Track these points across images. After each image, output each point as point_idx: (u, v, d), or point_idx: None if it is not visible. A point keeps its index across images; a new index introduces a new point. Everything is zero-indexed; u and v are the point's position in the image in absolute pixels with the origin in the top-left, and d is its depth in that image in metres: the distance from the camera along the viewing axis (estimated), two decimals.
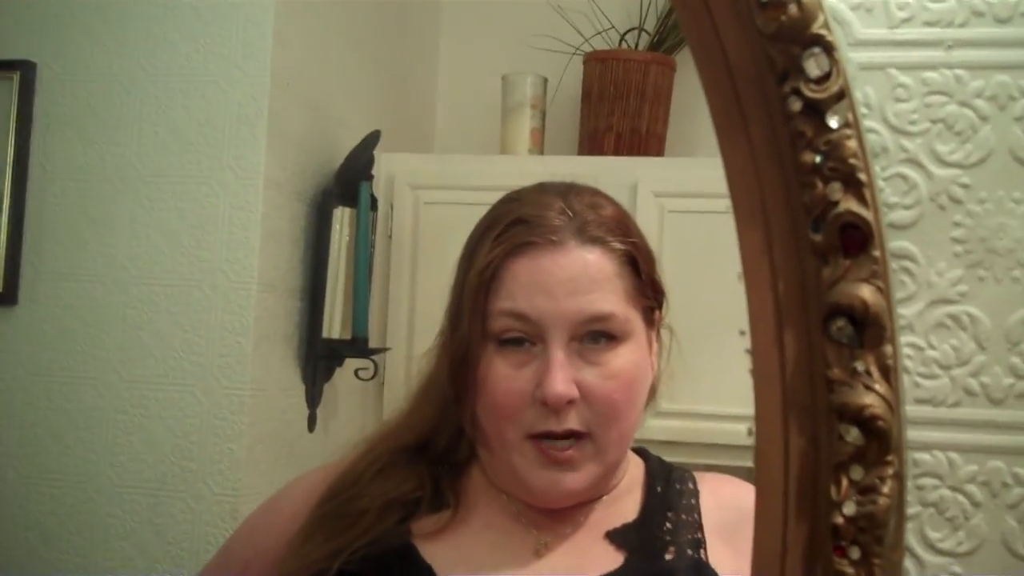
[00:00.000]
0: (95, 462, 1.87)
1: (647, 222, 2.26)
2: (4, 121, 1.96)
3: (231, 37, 1.91)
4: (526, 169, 2.31)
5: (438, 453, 1.17)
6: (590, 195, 1.14)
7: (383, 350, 2.18)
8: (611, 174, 2.27)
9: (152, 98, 1.93)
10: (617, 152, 2.45)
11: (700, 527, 1.11)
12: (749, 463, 0.92)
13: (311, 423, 2.07)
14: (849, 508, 0.57)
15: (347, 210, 2.11)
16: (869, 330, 0.57)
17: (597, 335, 1.07)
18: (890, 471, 0.57)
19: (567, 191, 1.13)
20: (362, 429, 2.25)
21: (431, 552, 1.10)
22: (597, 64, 2.49)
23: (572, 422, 1.05)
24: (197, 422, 1.85)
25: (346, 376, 2.16)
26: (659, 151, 2.49)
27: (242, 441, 1.84)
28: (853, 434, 0.57)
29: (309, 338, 2.05)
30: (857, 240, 0.57)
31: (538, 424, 1.05)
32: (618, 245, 1.10)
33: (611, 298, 1.07)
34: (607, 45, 2.54)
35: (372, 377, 2.15)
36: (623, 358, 1.08)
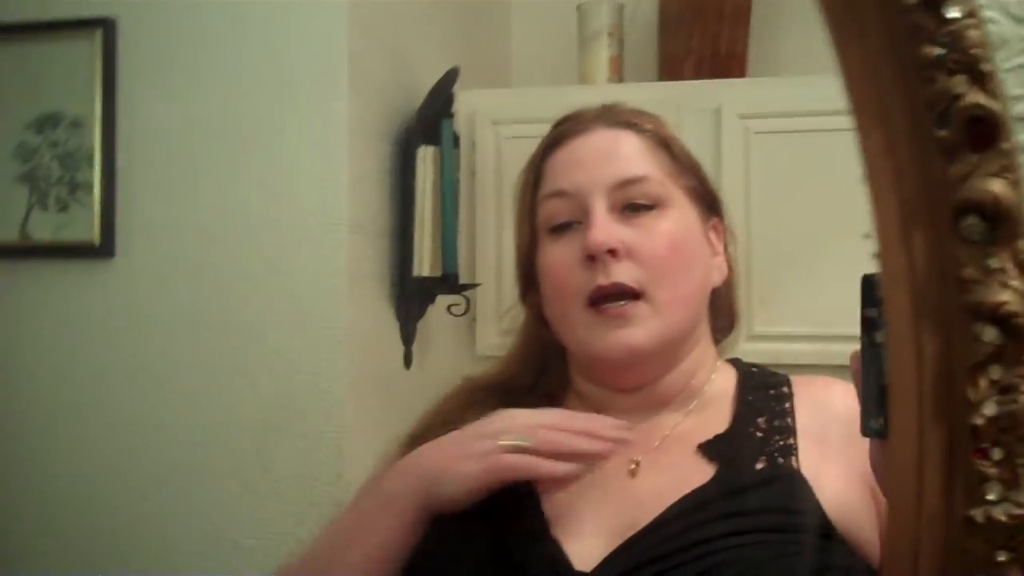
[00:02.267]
0: (200, 407, 1.91)
1: (733, 145, 2.23)
2: (90, 78, 1.99)
3: None
4: (606, 98, 2.27)
5: (533, 389, 1.20)
6: (629, 105, 1.22)
7: (474, 285, 2.19)
8: (693, 98, 2.24)
9: (231, 48, 1.94)
10: (698, 76, 2.41)
11: (793, 432, 1.11)
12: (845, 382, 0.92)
13: (407, 360, 2.09)
14: (989, 408, 0.56)
15: (430, 148, 2.11)
16: (1002, 225, 0.55)
17: (636, 203, 1.12)
18: None
19: (605, 102, 1.23)
20: (456, 364, 2.29)
21: None
22: None
23: (620, 275, 1.09)
24: (297, 364, 1.88)
25: (438, 313, 2.18)
26: (741, 72, 2.45)
27: (341, 380, 1.87)
28: (990, 333, 0.56)
29: (400, 277, 2.06)
30: (985, 134, 0.55)
31: (589, 283, 1.10)
32: (649, 127, 1.16)
33: (644, 166, 1.13)
34: None
35: (464, 313, 2.17)
36: (667, 223, 1.12)
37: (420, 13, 2.24)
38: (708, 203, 1.19)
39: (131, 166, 1.97)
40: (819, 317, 2.06)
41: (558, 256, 1.13)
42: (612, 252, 1.09)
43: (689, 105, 2.22)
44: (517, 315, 1.25)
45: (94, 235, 1.96)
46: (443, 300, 2.17)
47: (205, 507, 1.90)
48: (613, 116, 1.18)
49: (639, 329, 1.10)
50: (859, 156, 0.62)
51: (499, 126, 2.37)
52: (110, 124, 1.98)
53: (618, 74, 2.45)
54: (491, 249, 2.32)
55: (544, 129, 2.28)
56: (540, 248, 1.15)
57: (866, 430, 0.90)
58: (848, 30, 0.60)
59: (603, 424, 1.09)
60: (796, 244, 2.15)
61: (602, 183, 1.11)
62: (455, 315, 2.16)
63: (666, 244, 1.11)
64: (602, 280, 1.09)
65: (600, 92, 2.41)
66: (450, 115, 2.14)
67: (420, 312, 2.13)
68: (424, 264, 2.08)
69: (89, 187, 1.97)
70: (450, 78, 2.13)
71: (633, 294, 1.09)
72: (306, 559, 1.18)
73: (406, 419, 1.99)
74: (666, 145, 1.16)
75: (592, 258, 1.09)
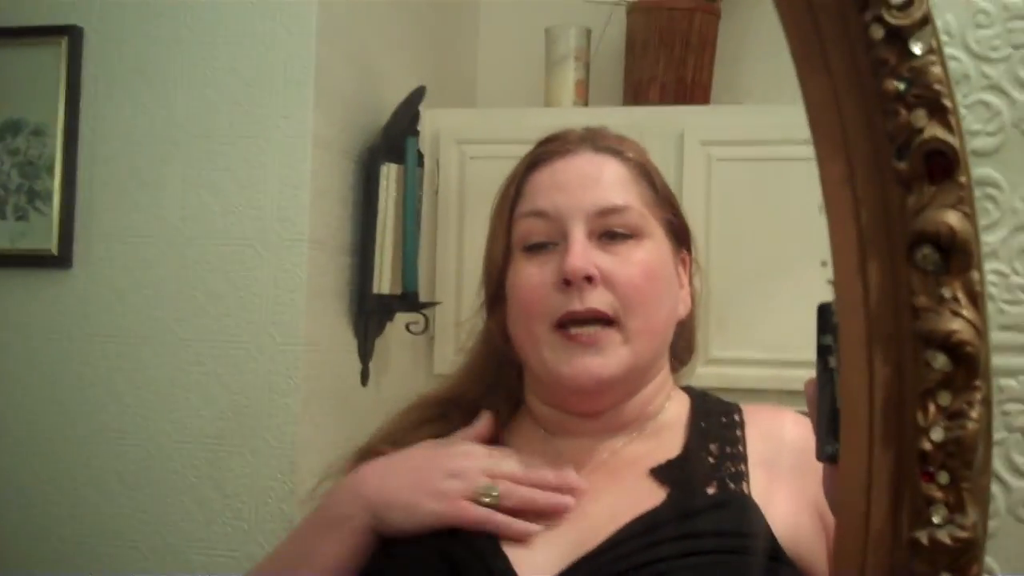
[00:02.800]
0: (154, 420, 1.90)
1: (694, 171, 2.26)
2: (54, 86, 1.98)
3: None
4: (571, 121, 2.29)
5: (477, 403, 1.21)
6: (611, 130, 1.21)
7: (433, 304, 2.20)
8: (657, 124, 2.26)
9: (199, 59, 1.94)
10: (662, 102, 2.44)
11: (744, 459, 1.11)
12: (801, 408, 0.94)
13: (364, 377, 2.08)
14: (937, 434, 0.57)
15: (394, 166, 2.11)
16: (955, 256, 0.57)
17: (615, 232, 1.11)
18: (978, 396, 0.57)
19: (588, 126, 1.21)
20: (413, 382, 2.28)
21: None
22: (641, 14, 2.47)
23: (594, 302, 1.08)
24: (253, 378, 1.87)
25: (397, 330, 2.18)
26: (704, 100, 2.48)
27: (297, 395, 1.87)
28: (940, 360, 0.57)
29: (360, 294, 2.06)
30: (942, 167, 0.57)
31: (562, 307, 1.09)
32: (632, 156, 1.16)
33: (626, 194, 1.13)
34: None
35: (423, 331, 2.17)
36: (643, 252, 1.12)
37: (388, 30, 2.25)
38: (680, 236, 1.19)
39: (92, 176, 1.96)
40: (775, 343, 2.08)
41: (532, 276, 1.12)
42: (588, 278, 1.08)
43: (653, 130, 2.24)
44: (473, 329, 1.25)
45: (52, 245, 1.95)
46: (402, 318, 2.17)
47: (156, 521, 1.88)
48: (598, 141, 1.17)
49: (608, 357, 1.09)
50: (820, 184, 0.63)
51: (463, 145, 2.38)
52: (72, 133, 1.97)
53: (584, 98, 2.47)
54: (451, 268, 2.33)
55: (509, 150, 2.28)
56: (513, 265, 1.14)
57: (820, 455, 0.92)
58: (813, 61, 0.61)
59: (561, 477, 1.10)
60: (754, 270, 2.17)
61: (583, 208, 1.11)
62: (413, 333, 2.16)
63: (641, 273, 1.11)
64: (576, 306, 1.08)
65: (565, 115, 2.43)
66: (415, 133, 2.14)
67: (378, 329, 2.13)
68: (384, 281, 2.08)
69: (48, 196, 1.96)
70: (416, 96, 2.14)
71: (606, 320, 1.09)
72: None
73: (361, 436, 1.98)
74: (648, 176, 1.17)
75: (567, 283, 1.09)
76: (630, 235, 1.12)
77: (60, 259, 1.95)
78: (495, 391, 1.21)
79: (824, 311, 0.92)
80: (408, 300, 2.09)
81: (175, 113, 1.95)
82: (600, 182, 1.13)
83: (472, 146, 2.38)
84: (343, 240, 2.03)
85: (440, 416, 1.20)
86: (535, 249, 1.12)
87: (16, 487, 1.94)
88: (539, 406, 1.18)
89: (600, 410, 1.15)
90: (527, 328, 1.12)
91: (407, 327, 2.16)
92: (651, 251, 1.13)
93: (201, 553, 1.85)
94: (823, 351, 0.92)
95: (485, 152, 2.36)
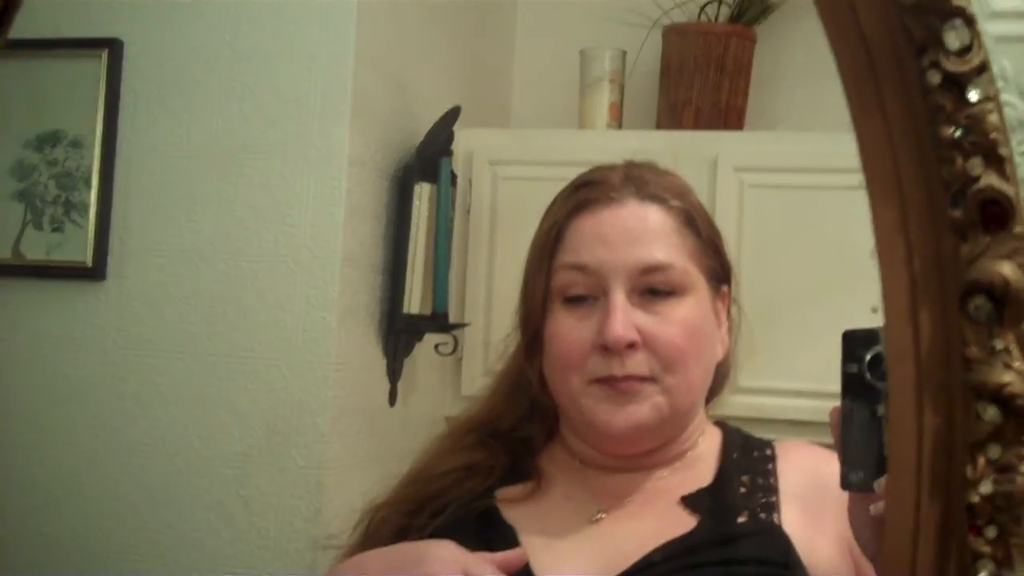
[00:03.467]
0: (183, 435, 1.90)
1: (727, 197, 2.24)
2: (93, 98, 1.99)
3: (315, 15, 1.92)
4: (604, 144, 2.31)
5: (514, 432, 1.21)
6: (652, 166, 1.20)
7: (462, 325, 2.19)
8: (690, 148, 2.25)
9: (237, 75, 1.95)
10: (696, 126, 2.43)
11: (776, 491, 1.12)
12: (828, 439, 0.93)
13: (392, 397, 2.08)
14: (986, 487, 0.56)
15: (427, 186, 2.12)
16: (1009, 307, 0.56)
17: (656, 289, 1.10)
18: None
19: (630, 162, 1.19)
20: (440, 404, 2.28)
21: (513, 516, 1.14)
22: (676, 37, 2.46)
23: (633, 367, 1.09)
24: (282, 395, 1.87)
25: (426, 351, 2.18)
26: (739, 125, 2.47)
27: (326, 414, 1.87)
28: (991, 413, 0.56)
29: (390, 313, 2.06)
30: (998, 216, 0.56)
31: (600, 370, 1.09)
32: (677, 203, 1.14)
33: (669, 251, 1.12)
34: (686, 18, 2.51)
35: (452, 352, 2.17)
36: (685, 310, 1.11)
37: (425, 51, 2.26)
38: (721, 276, 1.18)
39: (128, 188, 1.97)
40: (805, 372, 2.06)
41: (570, 331, 1.11)
42: (630, 344, 1.08)
43: (686, 155, 2.23)
44: (504, 352, 1.25)
45: (87, 257, 1.96)
46: (431, 338, 2.17)
47: (182, 536, 1.89)
48: (643, 187, 1.14)
49: (644, 406, 1.10)
50: (872, 229, 0.63)
51: (496, 166, 2.38)
52: (110, 145, 1.98)
53: (618, 120, 2.47)
54: (481, 290, 2.32)
55: (542, 171, 2.30)
56: (552, 314, 1.13)
57: (845, 483, 0.91)
58: (868, 102, 0.61)
59: None
60: (785, 298, 2.16)
61: (625, 267, 1.10)
62: (443, 354, 2.16)
63: (682, 333, 1.10)
64: (616, 371, 1.08)
65: (599, 138, 2.43)
66: (449, 153, 2.15)
67: (407, 349, 2.12)
68: (414, 301, 2.08)
69: (85, 208, 1.97)
70: (451, 116, 2.14)
71: (643, 379, 1.09)
72: None
73: (388, 456, 2.00)
74: (693, 223, 1.15)
75: (607, 347, 1.08)
76: (672, 292, 1.11)
77: (94, 271, 1.96)
78: (530, 420, 1.21)
79: (848, 338, 0.91)
80: (438, 321, 2.09)
81: (212, 128, 1.95)
82: (644, 238, 1.12)
83: (505, 167, 2.38)
84: (375, 259, 2.04)
85: (477, 444, 1.20)
86: (575, 301, 1.12)
87: (43, 498, 1.95)
88: (574, 441, 1.18)
89: (636, 453, 1.15)
90: (564, 379, 1.13)
91: (436, 348, 2.16)
92: (692, 308, 1.12)
93: (226, 570, 1.85)
94: (849, 380, 0.91)
95: (518, 173, 2.35)
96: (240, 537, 1.86)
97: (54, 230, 1.99)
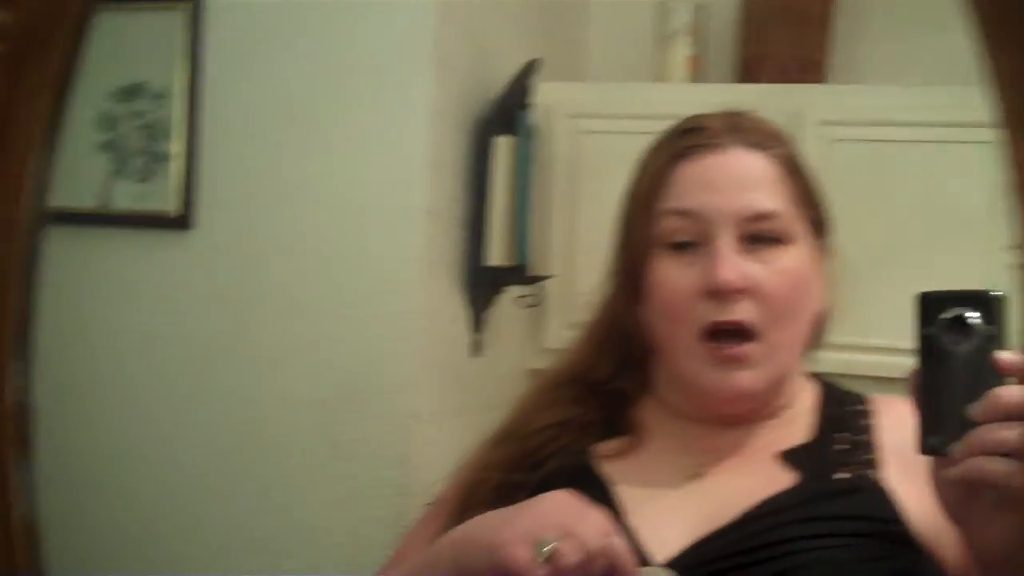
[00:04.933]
0: (270, 382, 1.92)
1: (810, 151, 2.20)
2: (176, 50, 2.00)
3: None
4: (683, 97, 2.28)
5: (607, 385, 1.19)
6: (751, 114, 1.18)
7: (544, 278, 2.19)
8: (771, 102, 2.20)
9: (319, 27, 1.95)
10: (775, 80, 2.40)
11: (874, 447, 1.10)
12: None
13: (475, 349, 2.09)
14: None
15: (507, 139, 2.11)
16: None
17: (762, 236, 1.09)
18: None
19: (729, 110, 1.17)
20: (523, 356, 2.29)
21: (609, 471, 1.12)
22: None
23: (741, 313, 1.06)
24: (368, 344, 1.88)
25: (507, 303, 2.18)
26: (819, 78, 2.43)
27: (410, 364, 1.88)
28: None
29: (472, 266, 2.07)
30: None
31: (707, 316, 1.07)
32: (780, 151, 1.13)
33: (775, 198, 1.10)
34: None
35: (534, 305, 2.17)
36: (790, 259, 1.09)
37: (503, 4, 2.24)
38: (822, 228, 1.17)
39: (212, 139, 1.98)
40: (891, 329, 2.04)
41: (675, 279, 1.10)
42: (738, 291, 1.06)
43: (767, 108, 2.19)
44: (592, 305, 1.23)
45: (173, 206, 1.98)
46: (512, 290, 2.17)
47: (270, 483, 1.91)
48: (746, 135, 1.13)
49: (751, 372, 1.08)
50: (1005, 166, 0.61)
51: (575, 120, 2.37)
52: (193, 96, 1.99)
53: (696, 73, 2.45)
54: (562, 243, 2.32)
55: (620, 124, 2.28)
56: (654, 261, 1.11)
57: (923, 448, 0.90)
58: (1002, 38, 0.59)
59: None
60: (870, 253, 2.13)
61: (732, 213, 1.08)
62: (525, 307, 2.16)
63: (788, 283, 1.09)
64: (722, 316, 1.07)
65: (677, 91, 2.41)
66: (528, 106, 2.14)
67: (489, 301, 2.13)
68: (496, 254, 2.08)
69: (169, 159, 1.99)
70: (530, 69, 2.13)
71: (749, 334, 1.07)
72: None
73: (471, 407, 2.01)
74: (797, 172, 1.14)
75: (714, 292, 1.07)
76: (777, 241, 1.09)
77: (180, 221, 1.98)
78: (624, 372, 1.20)
79: (923, 301, 0.89)
80: (519, 273, 2.09)
81: (294, 80, 1.96)
82: (751, 184, 1.10)
83: (584, 120, 2.37)
84: (457, 211, 2.04)
85: (571, 399, 1.19)
86: (679, 248, 1.10)
87: (130, 445, 1.98)
88: (671, 395, 1.17)
89: (736, 414, 1.14)
90: (670, 332, 1.11)
91: (518, 300, 2.16)
92: (796, 257, 1.10)
93: (313, 515, 1.88)
94: (924, 343, 0.90)
95: (597, 127, 2.35)
96: (328, 483, 1.88)
97: (140, 180, 2.01)
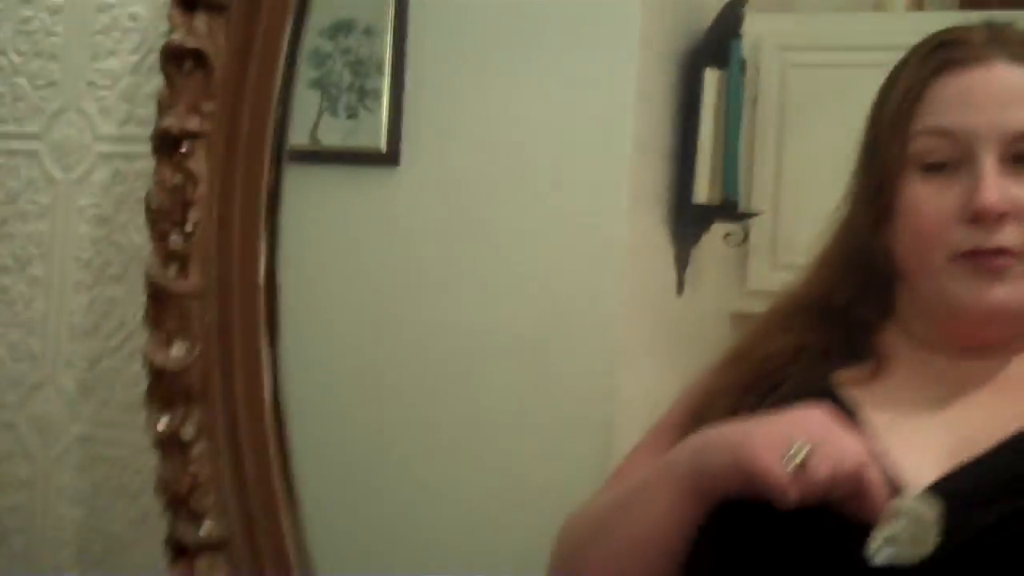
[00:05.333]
0: (476, 316, 1.93)
1: None
2: None
3: None
4: (904, 27, 2.16)
5: (845, 311, 1.16)
6: (1013, 26, 1.12)
7: (753, 214, 2.12)
8: None
9: None
10: (1006, 6, 2.24)
11: None
12: None
13: (680, 287, 2.05)
14: None
15: (716, 71, 2.05)
16: None
17: None
18: None
19: (990, 22, 1.12)
20: (726, 297, 2.23)
21: (852, 397, 1.08)
22: None
23: (1003, 239, 1.02)
24: (573, 280, 1.87)
25: (712, 241, 2.12)
26: None
27: (616, 300, 1.86)
28: None
29: (678, 201, 2.02)
30: None
31: (965, 242, 1.03)
32: None
33: None
34: None
35: (741, 242, 2.11)
36: None
37: None
38: None
39: (420, 75, 1.99)
40: None
41: (929, 202, 1.06)
42: (1001, 215, 1.02)
43: None
44: (831, 226, 1.19)
45: (381, 142, 2.00)
46: (718, 229, 2.11)
47: (474, 418, 1.92)
48: (1011, 48, 1.08)
49: (1009, 287, 1.03)
50: None
51: (786, 52, 2.27)
52: (401, 32, 2.00)
53: (917, 2, 2.31)
54: (769, 179, 2.24)
55: (833, 57, 2.17)
56: (906, 183, 1.08)
57: None
58: None
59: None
60: None
61: (997, 133, 1.03)
62: (732, 244, 2.10)
63: None
64: (983, 243, 1.03)
65: (896, 20, 2.27)
66: (739, 36, 2.07)
67: (695, 239, 2.08)
68: (703, 190, 2.03)
69: (378, 95, 2.01)
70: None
71: (1011, 254, 1.03)
72: (591, 516, 1.17)
73: (674, 346, 1.97)
74: None
75: (975, 218, 1.02)
76: None
77: (388, 157, 2.00)
78: (865, 298, 1.16)
79: None
80: (727, 209, 2.03)
81: (499, 14, 1.94)
82: (1016, 101, 1.05)
83: (795, 53, 2.27)
84: (664, 146, 2.00)
85: (807, 324, 1.16)
86: (934, 169, 1.06)
87: (335, 380, 2.02)
88: (918, 323, 1.12)
89: (987, 338, 1.08)
90: (919, 255, 1.07)
91: (725, 237, 2.10)
92: None
93: (518, 450, 1.88)
94: None
95: (809, 59, 2.24)
96: (531, 419, 1.88)
97: (349, 117, 2.03)
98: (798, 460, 0.92)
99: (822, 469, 0.90)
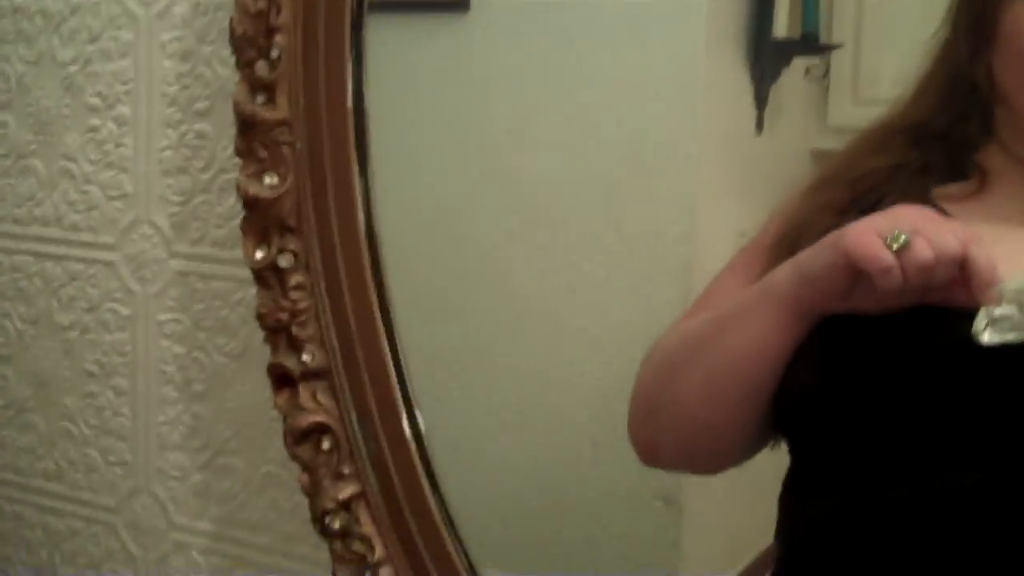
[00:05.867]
0: (552, 159, 1.92)
1: None
2: None
3: None
4: None
5: (944, 131, 1.13)
6: None
7: (835, 47, 2.07)
8: None
9: None
10: None
11: None
12: None
13: (759, 125, 2.02)
14: None
15: None
16: None
17: None
18: None
19: None
20: (806, 135, 2.19)
21: (954, 211, 1.07)
22: None
23: None
24: (649, 120, 1.85)
25: (792, 78, 2.07)
26: None
27: (694, 139, 1.84)
28: None
29: (757, 37, 1.97)
30: None
31: None
32: None
33: None
34: None
35: (823, 75, 2.06)
36: None
37: None
38: None
39: None
40: None
41: None
42: None
43: None
44: (929, 51, 1.16)
45: None
46: (798, 64, 2.06)
47: (553, 260, 1.93)
48: None
49: None
50: None
51: None
52: None
53: None
54: (850, 10, 2.17)
55: None
56: (1008, 5, 1.04)
57: None
58: None
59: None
60: None
61: None
62: (813, 78, 2.05)
63: None
64: None
65: None
66: None
67: (775, 75, 2.03)
68: (782, 24, 1.97)
69: None
70: None
71: None
72: (683, 339, 1.17)
73: (754, 186, 1.95)
74: None
75: None
76: None
77: (459, 3, 1.97)
78: (965, 120, 1.13)
79: None
80: (808, 43, 1.98)
81: None
82: None
83: None
84: None
85: (905, 144, 1.13)
86: None
87: (426, 212, 2.03)
88: (1020, 146, 1.10)
89: None
90: (1022, 80, 1.04)
91: (807, 71, 2.05)
92: None
93: (598, 293, 1.89)
94: None
95: None
96: (613, 261, 1.88)
97: None
98: (902, 242, 0.91)
99: (927, 251, 0.90)
